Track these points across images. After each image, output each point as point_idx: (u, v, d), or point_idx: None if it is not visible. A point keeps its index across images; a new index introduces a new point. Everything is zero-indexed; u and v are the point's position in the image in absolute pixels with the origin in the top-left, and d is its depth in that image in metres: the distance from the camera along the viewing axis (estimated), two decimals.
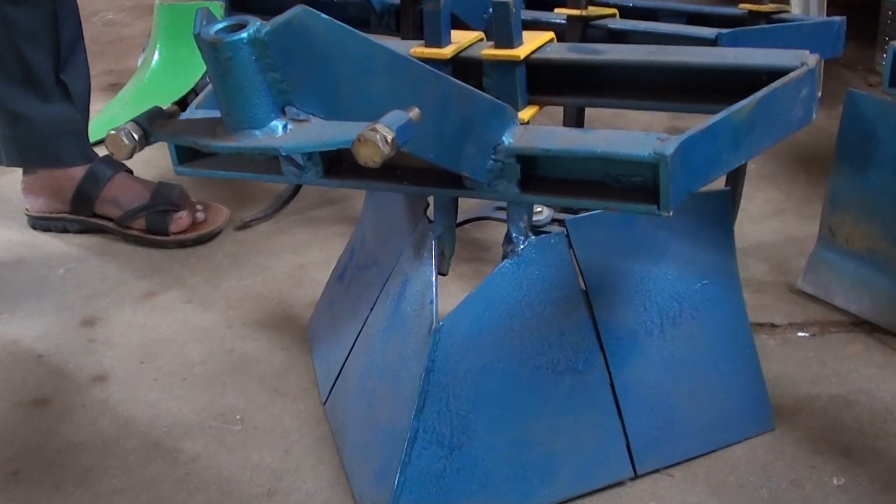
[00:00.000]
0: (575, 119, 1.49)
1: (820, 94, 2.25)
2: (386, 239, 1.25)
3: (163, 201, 1.74)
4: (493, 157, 0.88)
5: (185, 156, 1.03)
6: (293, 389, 1.32)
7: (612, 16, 1.45)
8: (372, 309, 1.23)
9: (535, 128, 0.91)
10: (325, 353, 1.32)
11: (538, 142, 0.88)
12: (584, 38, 1.42)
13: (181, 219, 1.73)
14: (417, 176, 0.94)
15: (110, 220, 1.76)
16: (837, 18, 1.48)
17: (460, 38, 1.13)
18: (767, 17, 1.50)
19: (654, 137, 0.85)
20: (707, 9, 1.57)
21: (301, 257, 1.67)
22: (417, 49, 1.11)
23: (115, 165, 1.79)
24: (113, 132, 0.77)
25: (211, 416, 1.28)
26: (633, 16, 1.57)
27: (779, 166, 1.94)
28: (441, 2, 1.08)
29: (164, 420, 1.28)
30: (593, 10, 1.43)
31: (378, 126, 0.70)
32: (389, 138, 0.69)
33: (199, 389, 1.34)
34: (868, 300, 1.42)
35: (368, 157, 0.69)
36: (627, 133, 0.88)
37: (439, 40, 1.10)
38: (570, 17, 1.41)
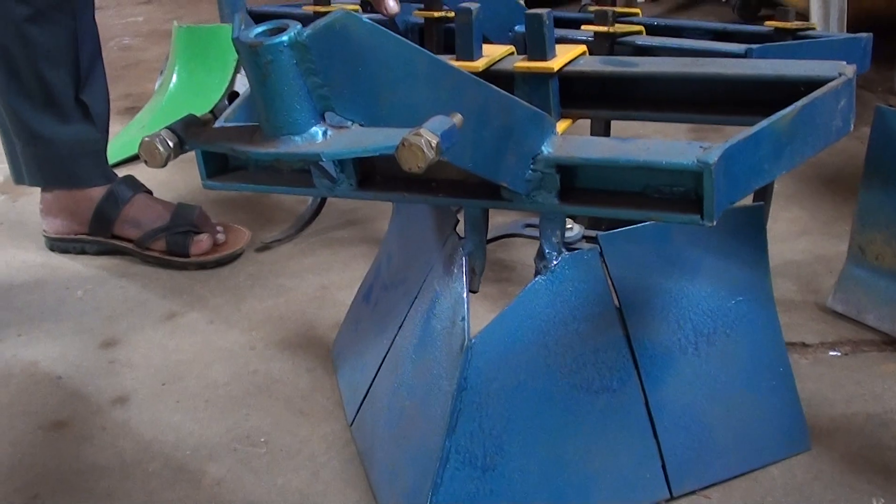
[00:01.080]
0: (602, 133, 1.47)
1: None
2: (414, 257, 1.23)
3: (183, 222, 1.72)
4: (532, 166, 0.87)
5: (214, 169, 1.01)
6: (319, 411, 1.30)
7: (639, 33, 1.43)
8: (400, 327, 1.21)
9: (573, 138, 0.89)
10: (352, 373, 1.30)
11: (578, 151, 0.86)
12: (612, 55, 1.40)
13: (202, 241, 1.71)
14: (452, 188, 0.92)
15: (130, 241, 1.75)
16: (864, 35, 1.47)
17: (491, 52, 1.12)
18: (794, 33, 1.48)
19: (696, 146, 0.83)
20: (732, 26, 1.56)
21: (323, 278, 1.65)
22: (450, 61, 1.09)
23: (134, 186, 1.78)
24: (147, 139, 0.75)
25: (235, 438, 1.26)
26: (659, 34, 1.56)
27: (803, 186, 1.92)
28: (473, 15, 1.07)
29: (188, 443, 1.26)
30: (620, 28, 1.42)
31: (422, 131, 0.68)
32: (434, 143, 0.68)
33: (223, 411, 1.31)
34: None
35: (413, 162, 0.67)
36: (667, 142, 0.86)
37: (471, 54, 1.08)
38: (597, 34, 1.39)
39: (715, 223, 0.83)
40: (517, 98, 0.84)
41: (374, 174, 0.96)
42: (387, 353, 1.21)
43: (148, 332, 1.52)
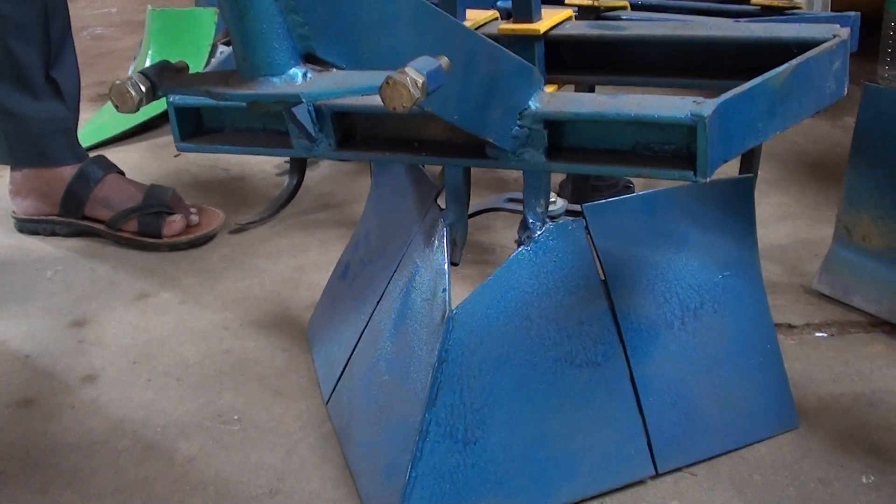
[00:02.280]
0: None
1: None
2: (393, 230, 1.20)
3: (156, 203, 1.68)
4: (518, 122, 0.83)
5: (188, 131, 0.98)
6: (294, 389, 1.26)
7: (624, 8, 1.41)
8: (378, 302, 1.18)
9: (561, 94, 0.86)
10: (328, 351, 1.27)
11: (567, 106, 0.83)
12: None
13: (175, 222, 1.67)
14: (436, 147, 0.89)
15: (101, 222, 1.70)
16: (852, 13, 1.45)
17: (475, 17, 1.09)
18: (781, 11, 1.47)
19: (689, 101, 0.80)
20: (717, 5, 1.54)
21: (299, 260, 1.62)
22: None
23: (106, 166, 1.74)
24: (118, 82, 0.71)
25: (208, 416, 1.22)
26: (644, 11, 1.54)
27: (787, 172, 1.90)
28: None
29: (158, 420, 1.22)
30: (605, 1, 1.39)
31: (408, 69, 0.65)
32: (420, 82, 0.64)
33: (194, 389, 1.28)
34: (888, 300, 1.38)
35: (398, 101, 0.64)
36: (659, 97, 0.83)
37: (455, 17, 1.05)
38: (581, 7, 1.36)
39: (708, 179, 0.80)
40: (505, 49, 0.81)
41: (354, 133, 0.92)
42: (364, 328, 1.17)
43: (118, 312, 1.48)
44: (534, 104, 0.84)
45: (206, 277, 1.57)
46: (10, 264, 1.66)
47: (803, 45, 0.96)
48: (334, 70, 0.70)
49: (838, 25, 0.98)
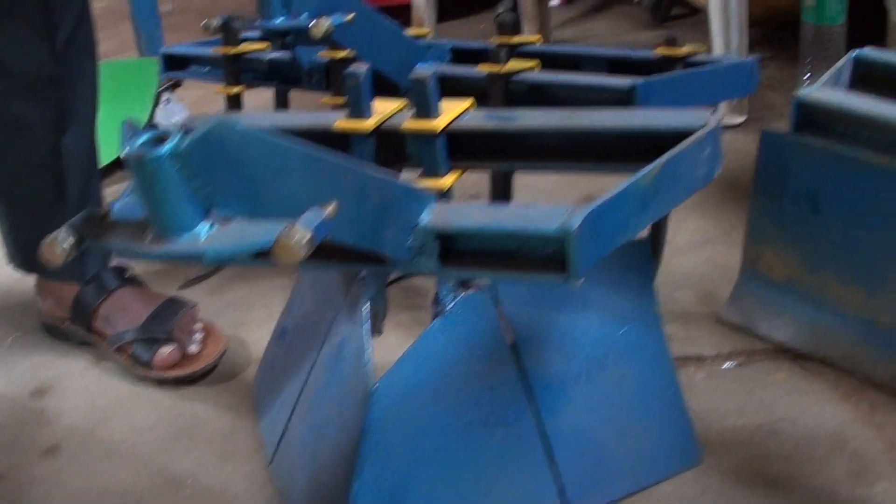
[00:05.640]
0: (501, 184, 1.54)
1: (745, 118, 2.32)
2: (322, 300, 1.30)
3: (157, 327, 1.57)
4: (412, 236, 0.93)
5: None
6: (241, 450, 1.36)
7: (534, 68, 1.50)
8: (312, 369, 1.28)
9: (450, 206, 0.96)
10: (270, 413, 1.37)
11: (454, 220, 0.93)
12: (507, 93, 1.47)
13: (167, 353, 1.55)
14: (343, 253, 0.98)
15: (104, 339, 1.61)
16: (750, 59, 1.54)
17: (383, 108, 1.18)
18: (683, 60, 1.55)
19: (563, 211, 0.90)
20: (626, 54, 1.63)
21: (243, 314, 1.71)
22: (342, 122, 1.16)
23: (122, 277, 1.64)
24: (50, 238, 0.81)
25: (163, 482, 1.32)
26: (556, 63, 1.63)
27: (705, 194, 1.98)
28: (361, 77, 1.13)
29: (117, 489, 1.31)
30: (514, 65, 1.48)
31: (295, 228, 0.74)
32: (305, 239, 0.74)
33: (150, 456, 1.37)
34: (790, 328, 1.49)
35: (288, 258, 0.74)
36: (539, 207, 0.93)
37: (362, 112, 1.15)
38: (491, 75, 1.46)
39: (581, 282, 0.90)
40: (392, 178, 0.91)
41: None
42: (300, 394, 1.28)
43: (76, 379, 1.57)
44: (425, 218, 0.93)
45: None
46: None
47: (677, 134, 1.05)
48: (235, 222, 0.79)
49: (710, 113, 1.08)
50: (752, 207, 1.52)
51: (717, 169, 1.08)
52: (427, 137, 1.13)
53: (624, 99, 1.38)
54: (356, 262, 0.99)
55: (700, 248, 1.80)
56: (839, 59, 1.81)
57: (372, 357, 1.13)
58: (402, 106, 1.20)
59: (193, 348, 1.56)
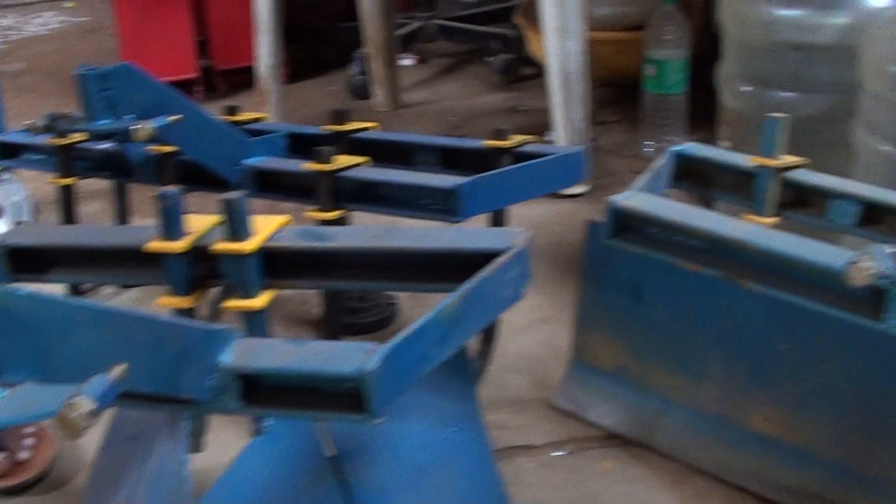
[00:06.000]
0: (331, 301, 1.56)
1: (589, 188, 2.35)
2: (144, 415, 1.28)
3: None
4: (212, 377, 0.93)
5: None
6: None
7: (361, 164, 1.51)
8: (137, 482, 1.25)
9: (253, 344, 0.96)
10: None
11: (255, 361, 0.93)
12: (335, 190, 1.47)
13: None
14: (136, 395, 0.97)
15: None
16: (576, 150, 1.59)
17: (197, 226, 1.18)
18: (511, 152, 1.59)
19: (363, 349, 0.91)
20: (458, 144, 1.67)
21: None
22: (154, 243, 1.15)
23: None
24: None
25: None
26: (389, 154, 1.65)
27: (545, 268, 2.00)
28: (174, 199, 1.13)
29: None
30: (343, 161, 1.49)
31: (77, 400, 0.74)
32: (87, 411, 0.74)
33: None
34: (619, 414, 1.52)
35: (70, 434, 0.73)
36: (341, 345, 0.94)
37: (174, 235, 1.14)
38: (318, 172, 1.47)
39: (382, 420, 0.91)
40: (188, 323, 0.91)
41: None
42: None
43: None
44: (227, 359, 0.94)
45: None
46: None
47: (486, 254, 1.08)
48: (22, 386, 0.78)
49: (518, 233, 1.10)
50: (580, 295, 1.56)
51: (524, 289, 1.10)
52: (238, 258, 1.13)
53: (448, 198, 1.40)
54: (162, 403, 0.98)
55: (536, 328, 1.82)
56: (679, 126, 1.85)
57: (188, 478, 1.12)
58: (215, 223, 1.20)
59: (24, 455, 1.51)
